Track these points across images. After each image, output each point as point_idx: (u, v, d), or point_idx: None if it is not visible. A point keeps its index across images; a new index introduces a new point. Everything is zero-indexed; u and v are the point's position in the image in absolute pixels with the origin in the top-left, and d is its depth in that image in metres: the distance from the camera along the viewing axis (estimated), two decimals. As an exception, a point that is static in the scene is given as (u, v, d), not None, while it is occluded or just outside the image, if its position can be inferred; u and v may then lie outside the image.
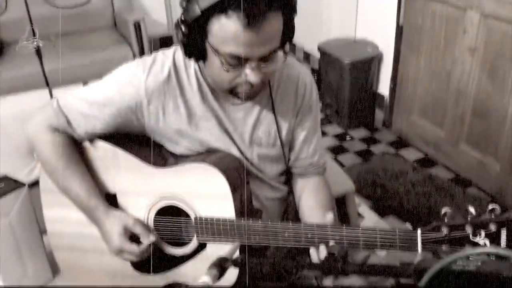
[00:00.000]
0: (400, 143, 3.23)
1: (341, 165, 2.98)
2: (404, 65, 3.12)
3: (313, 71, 3.67)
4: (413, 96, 3.10)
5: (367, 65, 3.19)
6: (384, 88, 3.33)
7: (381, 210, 2.59)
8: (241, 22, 0.96)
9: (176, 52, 1.21)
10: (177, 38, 1.08)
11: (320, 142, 1.37)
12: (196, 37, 1.04)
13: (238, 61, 1.03)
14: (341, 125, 3.42)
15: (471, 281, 0.57)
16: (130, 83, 1.17)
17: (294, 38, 1.11)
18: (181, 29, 1.05)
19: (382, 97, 3.36)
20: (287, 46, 1.12)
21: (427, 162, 3.02)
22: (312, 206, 1.30)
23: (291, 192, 1.39)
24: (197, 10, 0.99)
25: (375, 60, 3.21)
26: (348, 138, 3.32)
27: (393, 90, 3.25)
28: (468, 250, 0.55)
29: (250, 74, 1.05)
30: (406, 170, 2.87)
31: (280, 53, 1.09)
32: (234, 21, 0.97)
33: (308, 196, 1.34)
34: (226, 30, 0.99)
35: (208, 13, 0.99)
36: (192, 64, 1.19)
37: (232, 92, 1.13)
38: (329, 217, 1.10)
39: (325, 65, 3.38)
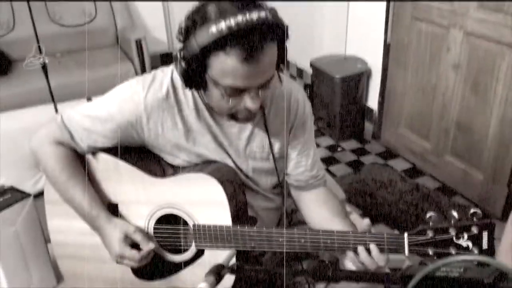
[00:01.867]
0: (389, 154, 3.24)
1: (333, 175, 2.99)
2: (391, 80, 3.13)
3: (306, 86, 3.68)
4: (401, 109, 3.11)
5: (357, 80, 3.21)
6: (373, 102, 3.34)
7: (371, 218, 2.58)
8: (239, 57, 0.95)
9: (174, 70, 1.20)
10: (177, 70, 1.06)
11: (317, 155, 1.35)
12: (195, 70, 1.02)
13: (238, 92, 1.03)
14: (332, 137, 3.43)
15: (454, 287, 0.57)
16: (130, 99, 1.17)
17: (288, 55, 1.10)
18: (181, 64, 1.03)
19: (371, 110, 3.38)
20: (282, 67, 1.11)
21: (414, 172, 3.03)
22: (328, 218, 1.27)
23: (284, 203, 1.38)
24: (195, 47, 0.97)
25: (364, 75, 3.23)
26: (339, 149, 3.32)
27: (381, 104, 3.27)
28: (451, 258, 0.56)
29: (249, 103, 1.05)
30: (395, 180, 2.88)
31: (275, 77, 1.09)
32: (232, 57, 0.96)
33: (320, 208, 1.31)
34: (225, 65, 0.98)
35: (207, 50, 0.97)
36: None
37: (231, 116, 1.12)
38: (366, 222, 1.10)
39: (317, 80, 3.39)
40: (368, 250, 1.06)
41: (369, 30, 3.20)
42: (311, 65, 3.41)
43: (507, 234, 1.30)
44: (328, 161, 3.16)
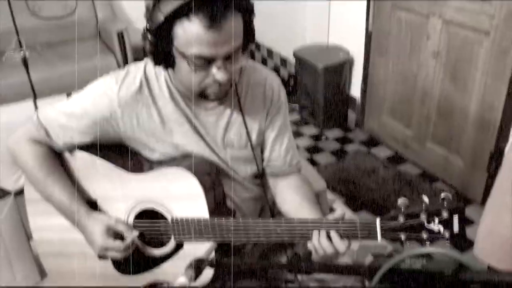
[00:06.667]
0: (372, 142, 3.27)
1: (317, 164, 3.01)
2: (373, 69, 3.15)
3: (290, 75, 3.69)
4: (383, 97, 3.14)
5: (340, 69, 3.22)
6: (355, 90, 3.36)
7: (354, 206, 2.62)
8: (203, 24, 0.99)
9: (147, 64, 1.22)
10: (145, 48, 1.08)
11: (292, 142, 1.36)
12: (162, 43, 1.05)
13: (204, 62, 1.05)
14: (316, 126, 3.45)
15: (417, 279, 0.59)
16: (104, 95, 1.18)
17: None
18: (148, 38, 1.06)
19: (354, 99, 3.40)
20: (250, 48, 1.13)
21: (396, 159, 3.06)
22: (297, 204, 1.28)
23: (266, 193, 1.38)
24: (160, 17, 1.01)
25: (346, 64, 3.24)
26: (323, 138, 3.34)
27: (364, 92, 3.29)
28: (411, 251, 0.57)
29: (217, 73, 1.06)
30: (377, 167, 2.91)
31: (243, 55, 1.11)
32: (196, 24, 0.99)
33: (292, 195, 1.32)
34: (190, 33, 1.01)
35: (171, 19, 1.01)
36: (162, 73, 1.20)
37: (203, 94, 1.13)
38: (339, 212, 1.08)
39: (301, 70, 3.40)
40: (329, 237, 1.07)
41: (351, 19, 3.21)
42: (294, 54, 3.41)
43: (485, 219, 1.30)
44: (312, 150, 3.18)
